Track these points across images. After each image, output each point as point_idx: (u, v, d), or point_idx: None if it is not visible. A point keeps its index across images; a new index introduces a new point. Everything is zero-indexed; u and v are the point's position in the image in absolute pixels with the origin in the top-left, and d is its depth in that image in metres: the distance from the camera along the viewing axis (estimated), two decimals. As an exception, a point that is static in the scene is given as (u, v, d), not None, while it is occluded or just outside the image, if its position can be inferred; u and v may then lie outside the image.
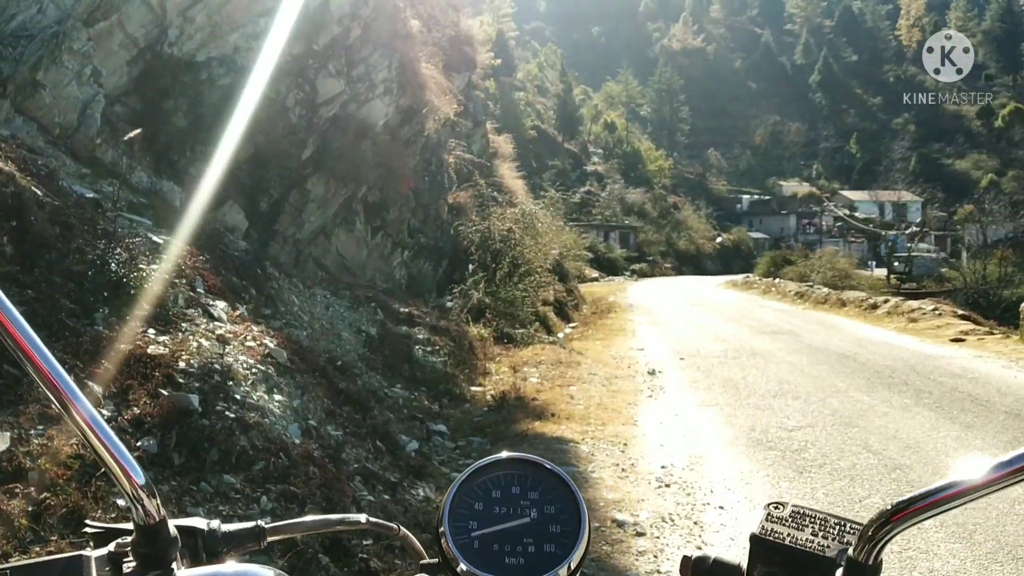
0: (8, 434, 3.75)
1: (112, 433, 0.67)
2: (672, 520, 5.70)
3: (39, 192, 5.66)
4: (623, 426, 8.50)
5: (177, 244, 6.78)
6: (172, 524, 0.72)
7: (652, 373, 12.06)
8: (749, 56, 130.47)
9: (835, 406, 9.29)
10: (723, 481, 6.59)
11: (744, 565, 0.73)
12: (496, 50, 44.80)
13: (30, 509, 3.49)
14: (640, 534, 5.43)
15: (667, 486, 6.50)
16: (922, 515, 0.59)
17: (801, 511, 0.74)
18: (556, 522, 0.86)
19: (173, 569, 0.69)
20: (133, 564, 0.69)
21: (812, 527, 0.72)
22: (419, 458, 6.64)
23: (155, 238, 6.62)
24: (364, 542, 4.85)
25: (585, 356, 13.86)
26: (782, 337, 16.42)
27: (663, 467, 7.02)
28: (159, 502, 0.69)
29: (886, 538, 0.61)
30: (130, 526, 0.71)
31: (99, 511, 3.68)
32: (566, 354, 13.73)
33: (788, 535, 0.71)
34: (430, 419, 8.07)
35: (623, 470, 6.91)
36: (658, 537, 5.40)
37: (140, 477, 0.67)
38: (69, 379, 0.65)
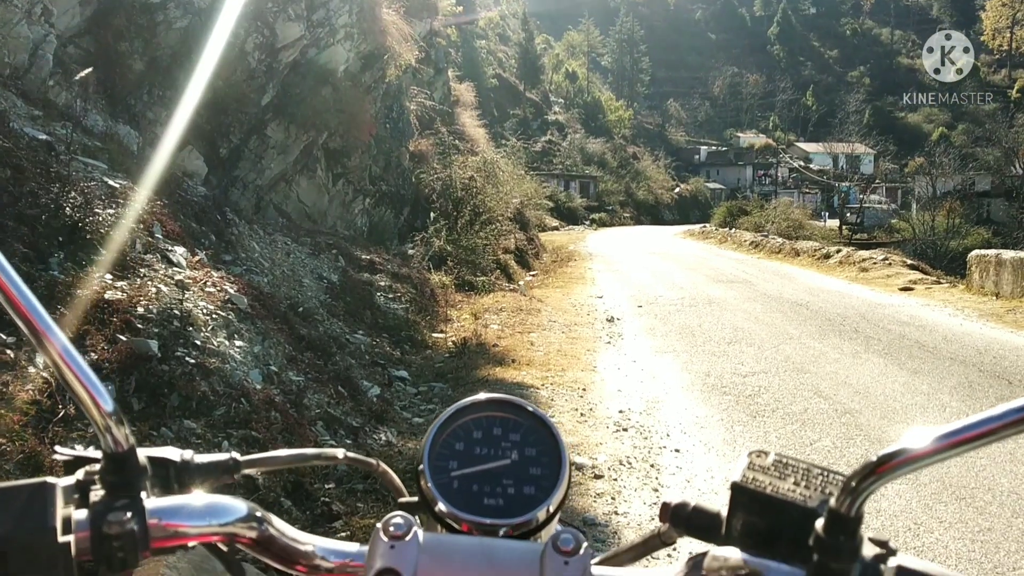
0: (-37, 379, 3.71)
1: (81, 359, 0.65)
2: (630, 463, 5.81)
3: (-11, 134, 5.54)
4: (582, 372, 8.60)
5: (134, 189, 6.67)
6: (142, 453, 0.70)
7: (611, 320, 12.18)
8: (709, 7, 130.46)
9: (788, 353, 9.48)
10: (679, 425, 6.72)
11: (724, 513, 0.72)
12: (457, -4, 44.09)
13: (-16, 455, 3.46)
14: (598, 477, 5.54)
15: (625, 430, 6.61)
16: (907, 467, 0.58)
17: (784, 460, 0.72)
18: (536, 464, 0.85)
19: (141, 498, 0.67)
20: (101, 492, 0.67)
21: (794, 477, 0.70)
22: (381, 403, 6.68)
23: (111, 182, 6.49)
24: (326, 486, 4.90)
25: (545, 304, 13.93)
26: (737, 286, 16.63)
27: (621, 412, 7.13)
28: (128, 431, 0.68)
29: (869, 490, 0.60)
30: (99, 454, 0.69)
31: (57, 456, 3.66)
32: (526, 302, 13.78)
33: (770, 484, 0.70)
34: (392, 365, 8.10)
35: (582, 415, 7.01)
36: (616, 479, 5.51)
37: (109, 404, 0.66)
38: (37, 303, 0.63)
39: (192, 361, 4.99)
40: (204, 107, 9.12)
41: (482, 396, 0.90)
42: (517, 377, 8.19)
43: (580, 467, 5.66)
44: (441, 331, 10.55)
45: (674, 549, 3.79)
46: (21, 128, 6.16)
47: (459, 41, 50.28)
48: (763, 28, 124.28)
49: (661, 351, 9.75)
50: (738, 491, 0.70)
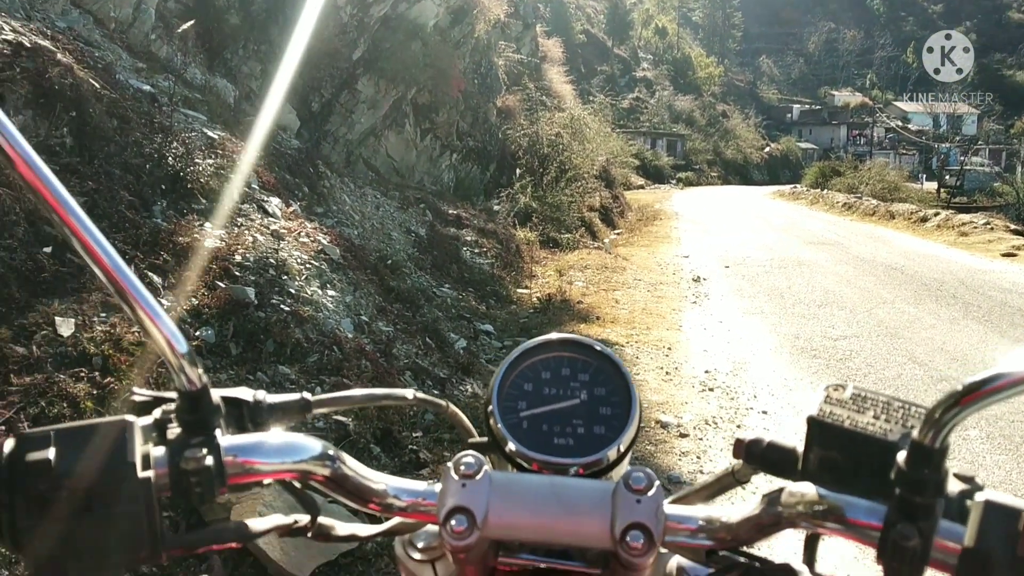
0: (72, 320, 3.86)
1: (154, 301, 0.66)
2: (715, 423, 5.77)
3: (96, 85, 5.70)
4: (667, 331, 8.54)
5: (232, 140, 6.82)
6: (216, 393, 0.72)
7: (697, 280, 12.05)
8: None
9: (881, 317, 9.24)
10: (767, 387, 6.64)
11: (799, 449, 0.69)
12: (546, -51, 43.58)
13: (95, 392, 3.62)
14: (684, 435, 5.52)
15: (711, 390, 6.56)
16: (994, 397, 0.55)
17: (862, 394, 0.69)
18: (606, 404, 0.85)
19: (216, 435, 0.69)
20: (178, 431, 0.69)
21: (874, 410, 0.68)
22: (467, 355, 6.75)
23: (210, 133, 6.65)
24: (414, 434, 5.00)
25: (630, 262, 13.85)
26: (829, 248, 16.24)
27: (707, 372, 7.08)
28: (201, 370, 0.68)
29: (953, 421, 0.57)
30: (174, 394, 0.70)
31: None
32: (611, 259, 13.73)
33: (848, 418, 0.67)
34: (477, 319, 8.17)
35: (667, 373, 6.98)
36: (701, 439, 5.48)
37: (182, 345, 0.66)
38: (111, 248, 0.64)
39: (287, 309, 5.12)
40: (296, 61, 9.24)
41: (550, 336, 0.90)
42: (602, 334, 8.18)
43: (665, 425, 5.65)
44: (526, 287, 10.58)
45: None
46: (127, 80, 6.34)
47: (547, -4, 49.77)
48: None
49: (749, 312, 9.61)
50: (815, 425, 0.68)
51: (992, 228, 18.21)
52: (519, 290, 10.22)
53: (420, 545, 0.91)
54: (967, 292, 10.84)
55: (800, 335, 8.36)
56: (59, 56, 5.43)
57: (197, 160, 5.88)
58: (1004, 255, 15.04)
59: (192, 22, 7.14)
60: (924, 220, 20.94)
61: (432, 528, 0.87)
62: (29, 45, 5.20)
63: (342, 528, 0.82)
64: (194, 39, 8.58)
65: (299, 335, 5.01)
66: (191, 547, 0.69)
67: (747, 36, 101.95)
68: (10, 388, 3.38)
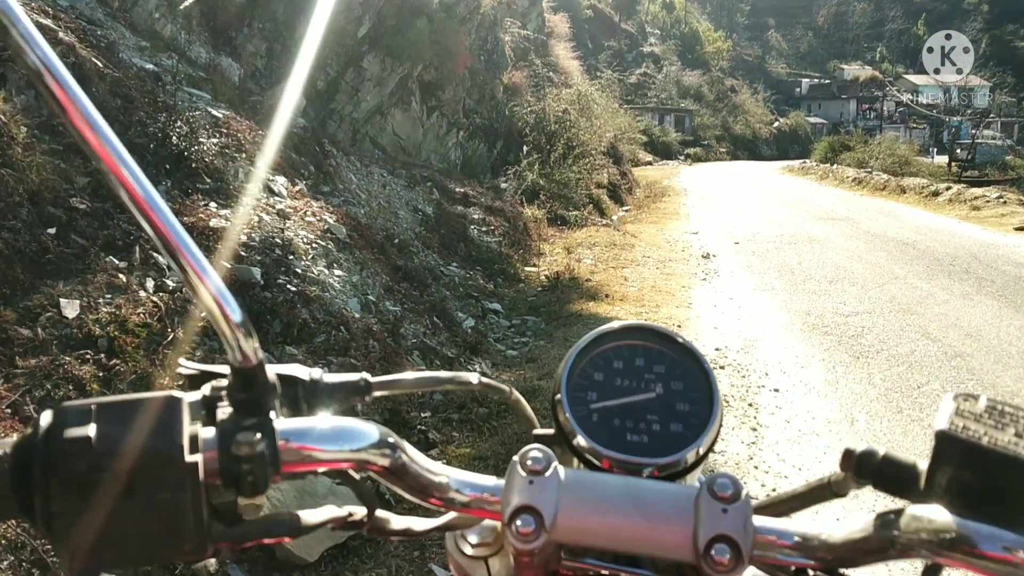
0: (77, 302, 3.84)
1: (210, 268, 0.60)
2: (727, 401, 5.73)
3: (100, 64, 5.65)
4: (677, 308, 8.49)
5: (236, 119, 6.77)
6: (271, 370, 0.66)
7: (706, 257, 11.98)
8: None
9: (893, 293, 9.17)
10: (778, 364, 6.59)
11: (921, 466, 0.61)
12: (552, -77, 43.12)
13: (100, 375, 3.60)
14: (694, 414, 5.48)
15: (721, 368, 6.52)
16: None
17: (999, 407, 0.61)
18: (684, 400, 0.78)
19: (271, 418, 0.63)
20: (229, 410, 0.63)
21: (1015, 427, 0.59)
22: (475, 335, 6.72)
23: (215, 112, 6.61)
24: (422, 415, 4.98)
25: (639, 239, 13.78)
26: (839, 223, 16.13)
27: (717, 349, 7.03)
28: (257, 344, 0.62)
29: None
30: (226, 369, 0.64)
31: (166, 379, 3.78)
32: (620, 237, 13.66)
33: (985, 434, 0.59)
34: (485, 297, 8.14)
35: (677, 352, 6.93)
36: (712, 417, 5.44)
37: (237, 315, 0.60)
38: (169, 212, 0.59)
39: (293, 289, 5.09)
40: (302, 40, 9.17)
41: (624, 323, 0.84)
42: (611, 312, 8.14)
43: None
44: (534, 265, 10.54)
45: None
46: (130, 59, 6.29)
47: (554, -29, 49.33)
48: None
49: (759, 289, 9.55)
50: (946, 441, 0.59)
51: (1005, 202, 18.03)
52: (527, 268, 10.18)
53: (473, 540, 0.85)
54: (980, 267, 10.75)
55: (811, 312, 8.30)
56: (62, 35, 5.38)
57: (201, 139, 5.84)
58: (1017, 229, 14.88)
59: (195, -1, 7.08)
60: (935, 194, 20.76)
61: (488, 522, 0.81)
62: (30, 24, 5.15)
63: (397, 522, 0.76)
64: (198, 18, 8.51)
65: (306, 315, 4.98)
66: (240, 541, 0.63)
67: (755, 10, 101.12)
68: (15, 370, 3.36)
